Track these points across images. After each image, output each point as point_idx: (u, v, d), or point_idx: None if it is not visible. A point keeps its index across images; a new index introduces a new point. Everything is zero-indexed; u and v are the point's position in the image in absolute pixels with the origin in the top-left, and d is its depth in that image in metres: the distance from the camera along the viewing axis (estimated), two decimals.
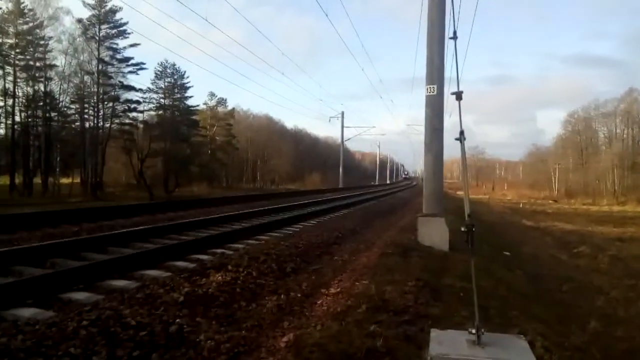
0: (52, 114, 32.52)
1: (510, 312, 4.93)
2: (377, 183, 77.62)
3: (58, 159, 33.15)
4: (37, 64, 31.36)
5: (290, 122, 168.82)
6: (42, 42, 31.53)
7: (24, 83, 31.69)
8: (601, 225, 25.27)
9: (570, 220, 27.65)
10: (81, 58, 33.00)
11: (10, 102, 31.00)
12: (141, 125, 39.85)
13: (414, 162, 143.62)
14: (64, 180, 33.90)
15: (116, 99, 35.85)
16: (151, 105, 41.93)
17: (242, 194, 25.30)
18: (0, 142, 31.42)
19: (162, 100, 42.70)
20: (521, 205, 45.24)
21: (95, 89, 33.91)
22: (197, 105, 47.07)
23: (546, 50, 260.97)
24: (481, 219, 20.69)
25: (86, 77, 33.52)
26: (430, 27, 8.91)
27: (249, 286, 5.13)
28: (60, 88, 33.12)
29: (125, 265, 5.85)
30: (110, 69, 35.14)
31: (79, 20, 33.16)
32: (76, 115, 35.09)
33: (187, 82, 43.62)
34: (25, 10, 31.21)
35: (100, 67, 33.76)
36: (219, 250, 7.52)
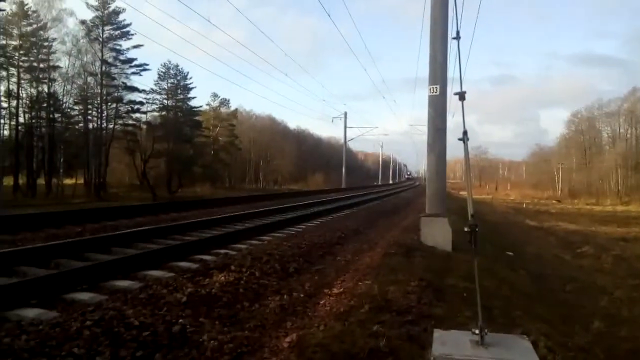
0: (56, 115, 32.70)
1: (514, 312, 4.92)
2: (379, 183, 77.57)
3: (62, 160, 33.25)
4: (41, 65, 31.52)
5: (293, 122, 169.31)
6: (45, 44, 31.72)
7: (28, 84, 31.87)
8: (605, 225, 25.19)
9: (574, 220, 27.57)
10: (85, 59, 33.23)
11: (14, 103, 31.18)
12: (144, 126, 40.03)
13: (416, 162, 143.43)
14: (68, 181, 34.06)
15: (119, 100, 36.00)
16: (154, 106, 42.20)
17: (245, 195, 25.34)
18: (4, 143, 31.52)
19: (165, 101, 42.88)
20: (524, 205, 45.13)
21: (99, 90, 34.07)
22: (200, 106, 47.34)
23: (548, 50, 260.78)
24: (484, 219, 20.64)
25: (90, 78, 33.73)
26: (433, 25, 8.89)
27: (252, 286, 5.13)
28: (63, 89, 33.38)
29: (128, 266, 5.86)
30: (113, 70, 35.31)
31: (83, 22, 33.38)
32: (80, 117, 35.28)
33: (190, 83, 43.87)
34: (29, 12, 31.35)
35: (103, 68, 33.92)
36: (222, 251, 7.52)
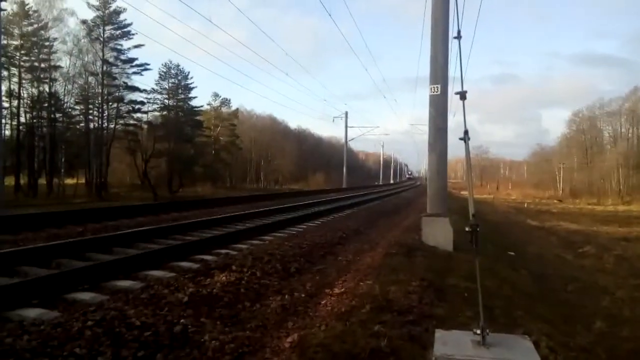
0: (57, 115, 32.71)
1: (515, 312, 4.91)
2: (380, 183, 77.55)
3: (63, 159, 33.30)
4: (42, 65, 31.56)
5: (294, 122, 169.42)
6: (46, 44, 31.76)
7: (29, 84, 31.93)
8: (606, 224, 25.17)
9: (575, 220, 27.55)
10: (86, 59, 33.26)
11: (15, 103, 31.25)
12: (145, 126, 40.07)
13: (417, 161, 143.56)
14: (69, 181, 34.10)
15: (120, 99, 36.04)
16: (155, 106, 42.25)
17: (246, 194, 25.34)
18: (5, 143, 31.52)
19: (166, 100, 42.92)
20: (526, 205, 45.10)
21: (100, 90, 34.12)
22: (201, 106, 47.38)
23: (550, 49, 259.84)
24: (485, 219, 20.62)
25: (91, 78, 33.77)
26: (434, 25, 8.89)
27: (253, 286, 5.13)
28: (64, 89, 33.39)
29: (129, 266, 5.87)
30: (114, 69, 35.35)
31: (84, 22, 33.42)
32: (81, 116, 35.32)
33: (191, 83, 43.91)
34: (30, 12, 31.41)
35: (104, 68, 33.96)
36: (223, 251, 7.53)
